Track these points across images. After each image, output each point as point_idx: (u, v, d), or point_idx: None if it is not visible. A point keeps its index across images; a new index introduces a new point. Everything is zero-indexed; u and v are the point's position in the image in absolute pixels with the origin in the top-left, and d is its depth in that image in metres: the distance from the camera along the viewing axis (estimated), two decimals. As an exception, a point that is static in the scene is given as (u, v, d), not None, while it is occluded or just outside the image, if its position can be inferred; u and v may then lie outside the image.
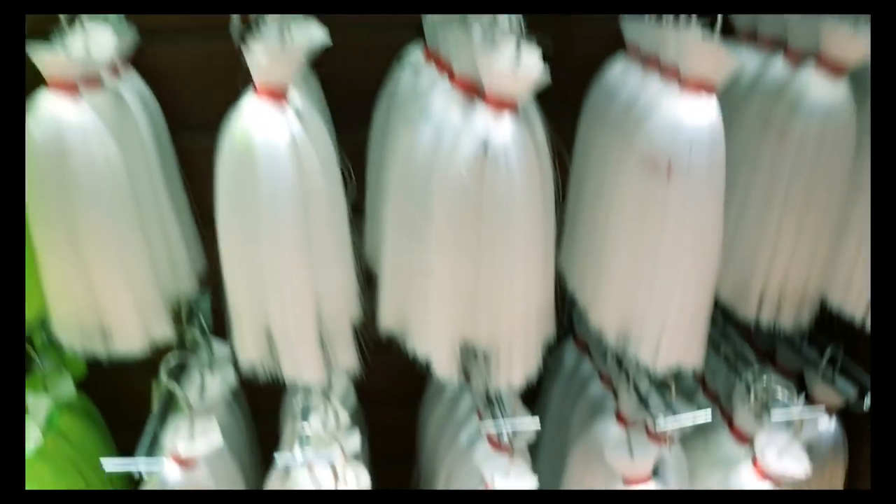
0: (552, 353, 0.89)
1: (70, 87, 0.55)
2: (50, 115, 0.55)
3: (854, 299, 0.63)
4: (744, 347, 0.76)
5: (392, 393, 0.62)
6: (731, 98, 0.57)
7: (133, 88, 0.66)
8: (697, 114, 0.51)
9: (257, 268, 0.55)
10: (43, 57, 0.55)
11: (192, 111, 0.72)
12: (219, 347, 0.80)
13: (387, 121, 0.67)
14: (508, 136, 0.49)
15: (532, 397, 0.94)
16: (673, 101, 0.52)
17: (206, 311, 0.81)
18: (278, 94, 0.51)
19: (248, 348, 0.59)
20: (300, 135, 0.51)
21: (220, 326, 0.70)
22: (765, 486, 0.69)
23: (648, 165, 0.53)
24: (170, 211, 0.67)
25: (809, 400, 0.77)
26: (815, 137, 0.57)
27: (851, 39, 0.56)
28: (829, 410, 0.76)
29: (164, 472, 0.69)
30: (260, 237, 0.53)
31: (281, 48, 0.50)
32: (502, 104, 0.49)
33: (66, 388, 0.80)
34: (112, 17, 0.64)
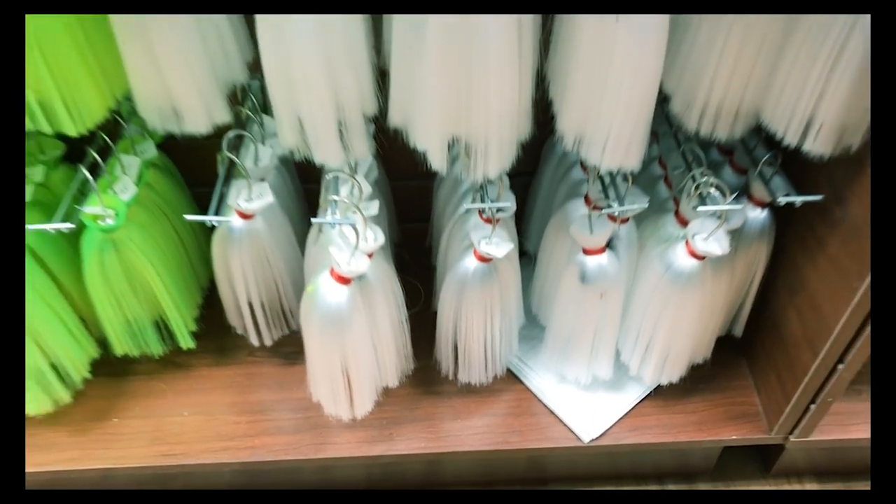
0: (547, 142, 1.05)
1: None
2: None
3: (780, 118, 0.75)
4: (700, 149, 0.90)
5: (414, 169, 0.78)
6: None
7: None
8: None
9: (288, 67, 0.71)
10: None
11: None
12: (269, 122, 0.98)
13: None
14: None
15: (530, 178, 1.12)
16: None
17: (258, 92, 0.98)
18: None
19: (287, 135, 0.76)
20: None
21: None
22: (691, 264, 0.87)
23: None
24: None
25: (748, 193, 0.92)
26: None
27: None
28: (761, 204, 0.91)
29: (230, 222, 0.91)
30: (289, 40, 0.68)
31: None
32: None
33: (150, 149, 1.00)
34: None
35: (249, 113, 0.96)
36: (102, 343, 1.05)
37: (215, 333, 1.12)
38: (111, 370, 1.09)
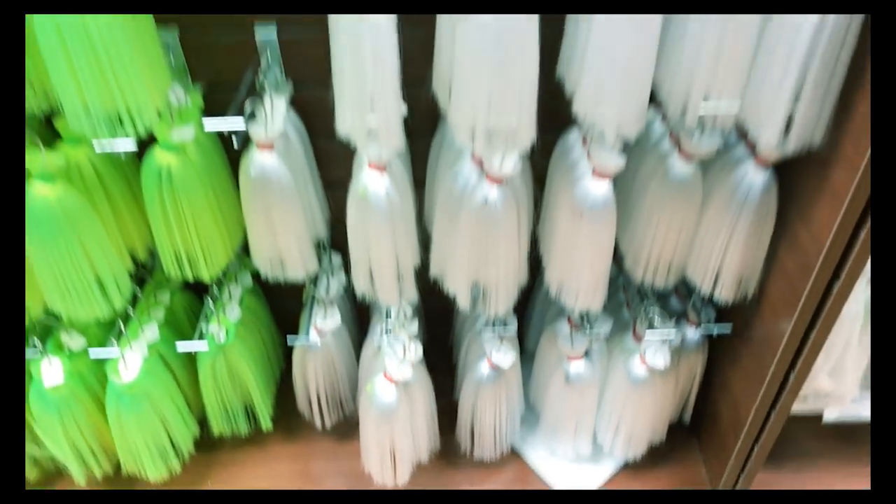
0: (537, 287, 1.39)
1: (268, 147, 1.03)
2: (258, 161, 1.03)
3: (697, 273, 1.10)
4: (649, 291, 1.25)
5: (445, 303, 1.13)
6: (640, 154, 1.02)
7: (291, 122, 1.14)
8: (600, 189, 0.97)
9: (365, 239, 1.06)
10: (251, 130, 0.99)
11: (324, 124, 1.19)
12: (335, 258, 1.33)
13: (440, 147, 1.13)
14: (498, 196, 0.97)
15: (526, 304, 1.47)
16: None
17: (327, 239, 1.33)
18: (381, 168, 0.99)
19: (360, 283, 1.11)
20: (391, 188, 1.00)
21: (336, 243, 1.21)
22: (644, 371, 1.21)
23: (575, 213, 1.00)
24: (314, 190, 1.17)
25: (687, 317, 1.27)
26: (678, 185, 1.02)
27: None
28: (694, 325, 1.26)
29: (309, 338, 1.25)
30: (368, 216, 1.03)
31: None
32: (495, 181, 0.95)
33: (247, 279, 1.36)
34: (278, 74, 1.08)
35: (324, 255, 1.32)
36: (202, 424, 1.37)
37: (285, 417, 1.44)
38: (206, 445, 1.41)
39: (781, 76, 0.81)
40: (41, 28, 0.78)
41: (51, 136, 1.04)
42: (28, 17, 0.79)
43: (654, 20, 0.79)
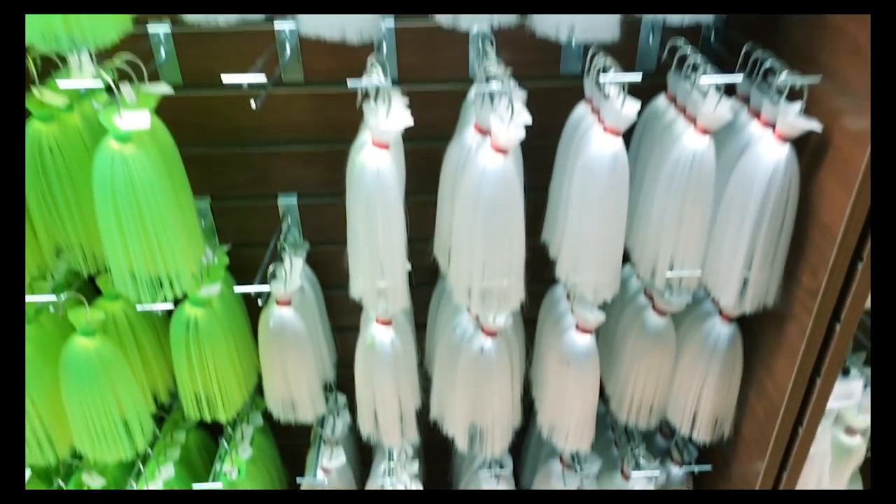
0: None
1: (286, 302, 1.15)
2: (277, 315, 1.15)
3: (676, 415, 1.19)
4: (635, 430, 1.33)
5: (444, 443, 1.21)
6: (620, 306, 1.14)
7: (306, 276, 1.26)
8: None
9: (371, 385, 1.16)
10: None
11: (335, 277, 1.32)
12: (341, 398, 1.42)
13: (440, 299, 1.25)
14: (492, 347, 1.08)
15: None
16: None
17: (333, 380, 1.43)
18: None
19: (365, 426, 1.20)
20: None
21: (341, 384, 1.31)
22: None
23: (562, 362, 1.11)
24: (324, 337, 1.28)
25: (671, 455, 1.35)
26: (654, 336, 1.13)
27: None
28: (678, 463, 1.33)
29: (316, 478, 1.32)
30: (374, 364, 1.13)
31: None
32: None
33: (258, 419, 1.44)
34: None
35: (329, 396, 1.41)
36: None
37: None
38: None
39: (734, 247, 0.95)
40: (101, 202, 0.91)
41: (92, 292, 1.16)
42: (88, 191, 0.93)
43: (622, 201, 0.93)
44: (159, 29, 1.05)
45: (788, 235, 0.94)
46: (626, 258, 1.06)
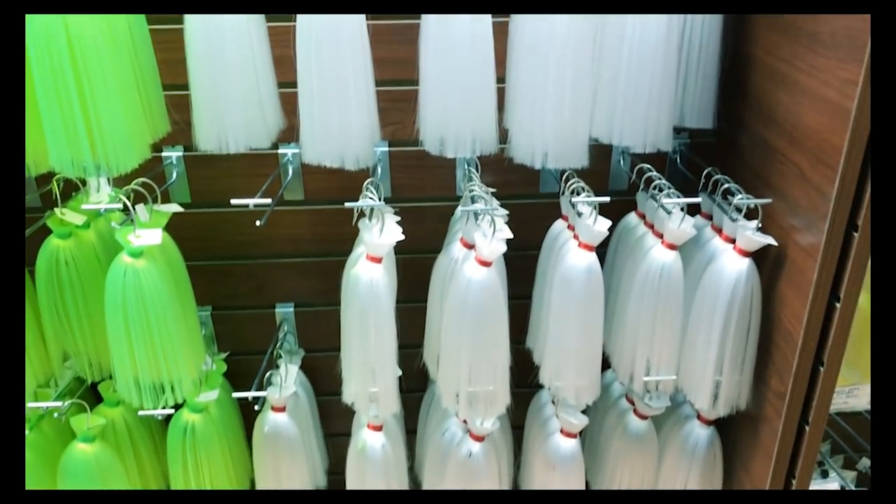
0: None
1: (280, 408, 1.19)
2: (272, 420, 1.19)
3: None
4: None
5: None
6: (603, 409, 1.18)
7: (301, 383, 1.31)
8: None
9: (362, 488, 1.18)
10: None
11: (328, 384, 1.36)
12: None
13: (430, 404, 1.29)
14: (480, 451, 1.12)
15: None
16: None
17: (325, 486, 1.44)
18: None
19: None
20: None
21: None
22: None
23: (548, 465, 1.14)
24: (317, 442, 1.31)
25: None
26: (636, 440, 1.17)
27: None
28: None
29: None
30: (365, 477, 1.16)
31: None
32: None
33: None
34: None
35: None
36: None
37: None
38: None
39: (705, 353, 1.01)
40: (111, 312, 0.96)
41: (93, 398, 1.20)
42: (98, 302, 1.00)
43: (598, 310, 1.00)
44: (173, 153, 1.15)
45: (755, 341, 1.00)
46: (609, 363, 1.12)
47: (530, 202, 1.22)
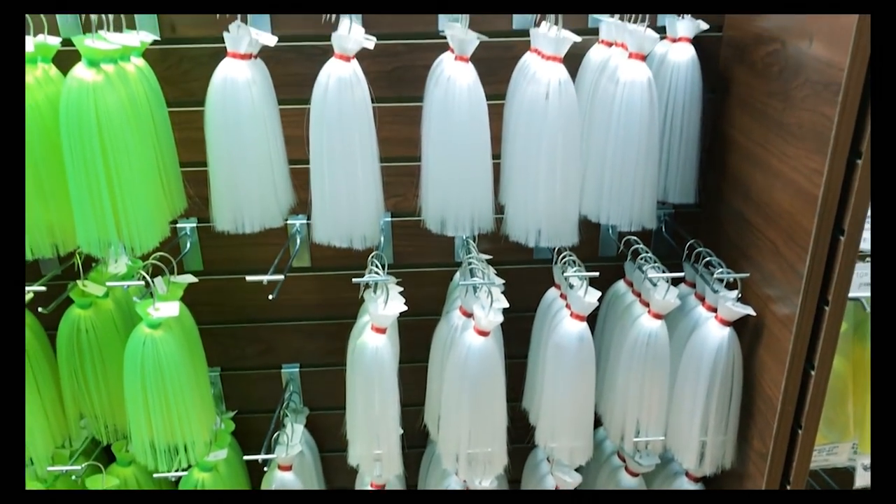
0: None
1: (286, 467, 1.24)
2: (279, 479, 1.24)
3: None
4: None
5: None
6: (596, 467, 1.23)
7: (306, 441, 1.36)
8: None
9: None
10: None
11: (331, 441, 1.41)
12: None
13: (429, 462, 1.34)
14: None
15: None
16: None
17: None
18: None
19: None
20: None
21: None
22: None
23: None
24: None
25: None
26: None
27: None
28: None
29: None
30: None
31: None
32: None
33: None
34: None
35: None
36: None
37: None
38: None
39: (691, 415, 1.07)
40: (129, 379, 1.02)
41: (105, 459, 1.25)
42: (115, 368, 1.05)
43: (590, 376, 1.06)
44: (187, 224, 1.22)
45: (738, 405, 1.07)
46: (601, 422, 1.17)
47: (525, 267, 1.29)
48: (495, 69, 1.11)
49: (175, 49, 1.12)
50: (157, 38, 1.09)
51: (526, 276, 1.27)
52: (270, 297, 0.99)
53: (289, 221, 1.22)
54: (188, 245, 1.23)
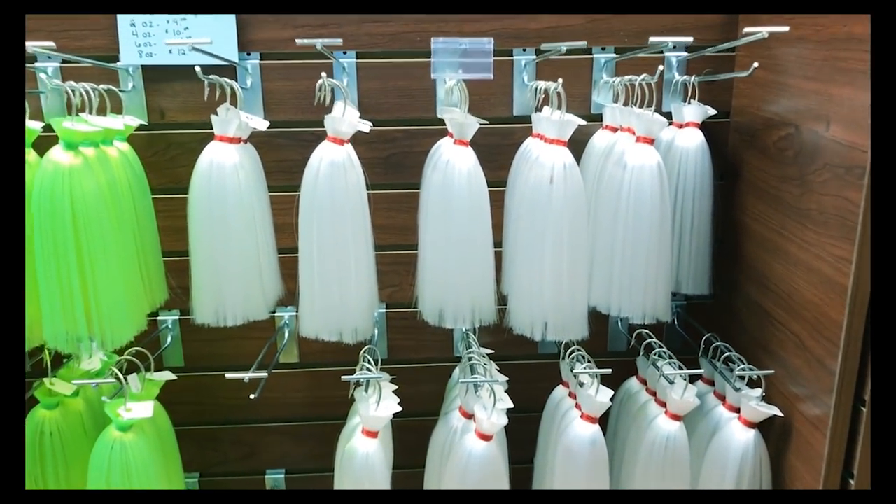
0: None
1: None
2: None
3: None
4: None
5: None
6: None
7: None
8: None
9: None
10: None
11: None
12: None
13: None
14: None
15: None
16: None
17: None
18: None
19: None
20: None
21: None
22: None
23: None
24: None
25: None
26: None
27: None
28: None
29: None
30: None
31: None
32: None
33: None
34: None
35: None
36: None
37: None
38: None
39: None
40: (94, 486, 0.92)
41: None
42: (81, 472, 0.95)
43: (603, 483, 0.96)
44: (168, 317, 1.14)
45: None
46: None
47: (529, 363, 1.21)
48: (494, 155, 1.07)
49: (163, 134, 1.08)
50: (144, 123, 1.05)
51: (531, 372, 1.18)
52: (252, 396, 0.91)
53: (277, 314, 1.15)
54: (169, 339, 1.15)
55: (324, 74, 0.86)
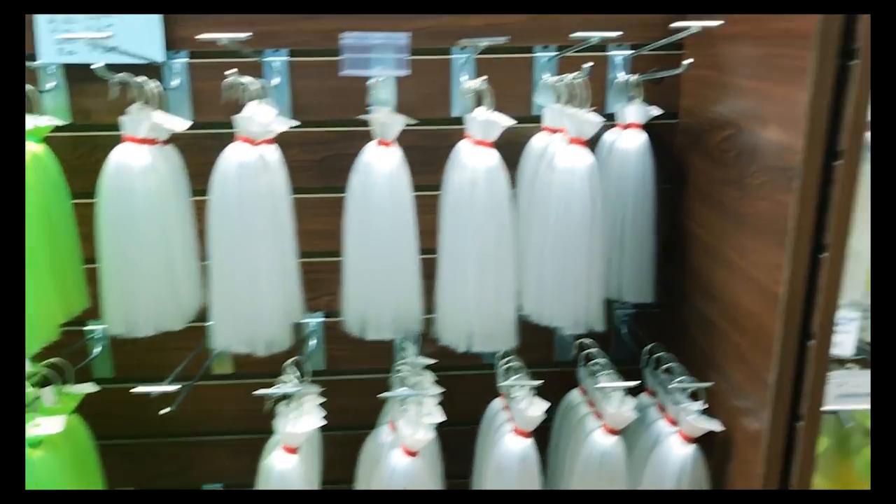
0: None
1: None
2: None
3: None
4: None
5: None
6: None
7: None
8: None
9: None
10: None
11: None
12: None
13: None
14: None
15: None
16: None
17: None
18: None
19: None
20: None
21: None
22: None
23: None
24: None
25: None
26: None
27: None
28: None
29: None
30: None
31: None
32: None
33: None
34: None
35: None
36: None
37: None
38: None
39: (657, 549, 0.92)
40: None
41: None
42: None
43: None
44: (97, 326, 1.10)
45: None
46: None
47: (473, 373, 1.16)
48: (433, 158, 1.02)
49: (88, 136, 1.04)
50: (61, 124, 1.01)
51: (474, 383, 1.13)
52: (163, 411, 0.87)
53: (209, 323, 1.11)
54: (98, 349, 1.11)
55: (234, 71, 0.82)
